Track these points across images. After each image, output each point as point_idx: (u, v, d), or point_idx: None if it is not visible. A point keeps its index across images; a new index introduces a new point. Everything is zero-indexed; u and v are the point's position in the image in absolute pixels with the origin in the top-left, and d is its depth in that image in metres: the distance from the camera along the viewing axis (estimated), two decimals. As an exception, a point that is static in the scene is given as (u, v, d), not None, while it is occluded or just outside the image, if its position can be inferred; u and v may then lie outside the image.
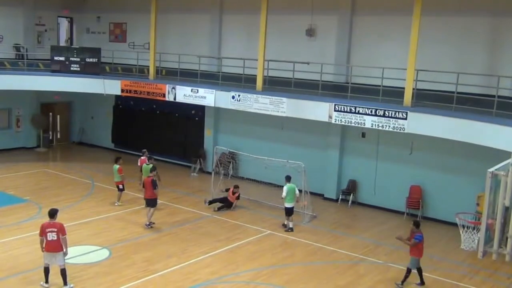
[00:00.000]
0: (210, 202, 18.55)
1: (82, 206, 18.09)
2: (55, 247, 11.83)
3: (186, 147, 24.44)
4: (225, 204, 18.43)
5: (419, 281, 13.11)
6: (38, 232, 11.97)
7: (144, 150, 20.04)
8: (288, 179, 16.87)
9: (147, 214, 16.32)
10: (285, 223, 16.89)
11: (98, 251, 14.27)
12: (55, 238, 11.79)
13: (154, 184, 16.18)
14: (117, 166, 18.36)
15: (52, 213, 12.06)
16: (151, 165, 17.88)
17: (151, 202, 16.31)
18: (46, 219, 11.88)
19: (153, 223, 16.33)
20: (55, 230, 11.81)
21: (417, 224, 13.16)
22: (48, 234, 11.76)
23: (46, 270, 11.99)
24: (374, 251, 15.36)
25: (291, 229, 16.70)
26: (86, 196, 19.18)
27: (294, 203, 16.74)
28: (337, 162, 19.99)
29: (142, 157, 19.61)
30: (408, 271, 12.98)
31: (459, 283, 13.45)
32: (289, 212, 16.76)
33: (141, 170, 18.93)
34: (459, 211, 16.23)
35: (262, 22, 18.88)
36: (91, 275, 12.78)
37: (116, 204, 18.33)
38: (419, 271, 13.13)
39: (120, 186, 18.40)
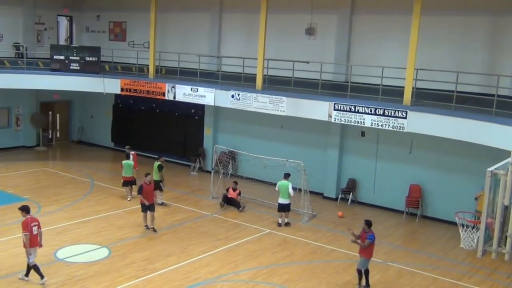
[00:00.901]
0: (224, 201, 18.55)
1: (82, 205, 18.09)
2: (38, 240, 12.07)
3: (185, 146, 24.44)
4: (234, 204, 18.44)
5: (365, 284, 12.81)
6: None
7: (128, 146, 20.35)
8: (285, 176, 16.92)
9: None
10: (279, 220, 17.02)
11: (98, 250, 14.27)
12: (36, 232, 12.00)
13: (139, 190, 15.99)
14: (132, 162, 18.86)
15: (28, 208, 12.17)
16: (158, 163, 18.45)
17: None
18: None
19: (151, 227, 16.04)
20: (37, 223, 12.04)
21: (369, 224, 12.70)
22: (33, 228, 11.89)
23: (37, 267, 12.01)
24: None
25: (279, 225, 16.89)
26: (85, 195, 19.18)
27: (288, 200, 16.76)
28: (336, 161, 20.00)
29: (132, 152, 19.64)
30: (359, 272, 12.73)
31: (459, 282, 13.46)
32: (280, 208, 16.87)
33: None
34: (459, 210, 16.23)
35: (262, 21, 18.89)
36: (91, 274, 12.79)
37: (128, 199, 18.57)
38: (366, 273, 12.78)
39: (135, 180, 18.77)
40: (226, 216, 17.76)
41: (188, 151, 24.11)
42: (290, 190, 16.74)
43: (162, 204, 18.28)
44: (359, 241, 12.73)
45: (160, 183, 18.29)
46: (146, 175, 16.36)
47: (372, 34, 19.69)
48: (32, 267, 12.00)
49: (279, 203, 16.96)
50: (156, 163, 18.46)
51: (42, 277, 12.05)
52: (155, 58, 22.38)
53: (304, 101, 18.14)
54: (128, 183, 18.85)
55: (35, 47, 26.12)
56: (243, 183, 20.00)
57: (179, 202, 18.92)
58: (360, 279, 12.82)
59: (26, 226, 11.79)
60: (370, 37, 19.75)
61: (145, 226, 16.06)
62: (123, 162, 18.94)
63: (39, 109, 26.62)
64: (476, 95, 16.27)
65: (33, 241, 11.85)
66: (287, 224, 17.01)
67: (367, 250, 12.64)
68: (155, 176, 18.12)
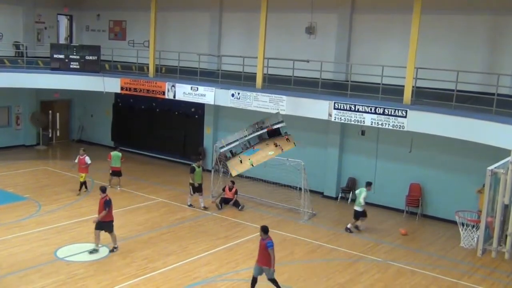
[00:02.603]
0: (221, 203, 18.46)
1: (82, 204, 18.08)
2: None
3: (185, 145, 24.44)
4: (233, 203, 18.44)
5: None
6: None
7: (83, 148, 19.98)
8: (366, 184, 16.90)
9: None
10: (357, 224, 16.80)
11: (98, 249, 14.25)
12: None
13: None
14: (120, 154, 19.82)
15: None
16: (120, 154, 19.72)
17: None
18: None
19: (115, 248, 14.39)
20: None
21: (265, 230, 11.70)
22: None
23: None
24: (373, 249, 15.37)
25: (356, 227, 16.73)
26: (85, 194, 19.17)
27: (359, 207, 16.45)
28: (336, 160, 19.99)
29: (82, 156, 19.23)
30: (274, 281, 11.75)
31: (459, 281, 13.46)
32: (355, 215, 16.62)
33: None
34: (459, 209, 16.22)
35: (262, 20, 18.88)
36: (91, 273, 12.78)
37: (118, 188, 19.30)
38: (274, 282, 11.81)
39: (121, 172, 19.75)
40: (226, 215, 17.75)
41: (188, 150, 24.10)
42: (361, 199, 16.37)
43: (204, 208, 18.09)
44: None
45: (194, 185, 18.04)
46: (100, 188, 14.62)
47: (372, 33, 19.68)
48: None
49: (354, 209, 16.71)
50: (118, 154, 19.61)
51: None
52: (155, 57, 22.37)
53: (304, 100, 18.14)
54: (116, 173, 19.62)
55: (35, 46, 26.11)
56: (243, 182, 19.98)
57: (179, 201, 18.89)
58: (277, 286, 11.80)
59: None
60: (370, 36, 19.74)
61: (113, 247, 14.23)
62: (112, 153, 19.85)
63: (39, 108, 26.61)
64: (476, 94, 16.26)
65: None
66: (356, 227, 16.77)
67: (266, 258, 11.61)
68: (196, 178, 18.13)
